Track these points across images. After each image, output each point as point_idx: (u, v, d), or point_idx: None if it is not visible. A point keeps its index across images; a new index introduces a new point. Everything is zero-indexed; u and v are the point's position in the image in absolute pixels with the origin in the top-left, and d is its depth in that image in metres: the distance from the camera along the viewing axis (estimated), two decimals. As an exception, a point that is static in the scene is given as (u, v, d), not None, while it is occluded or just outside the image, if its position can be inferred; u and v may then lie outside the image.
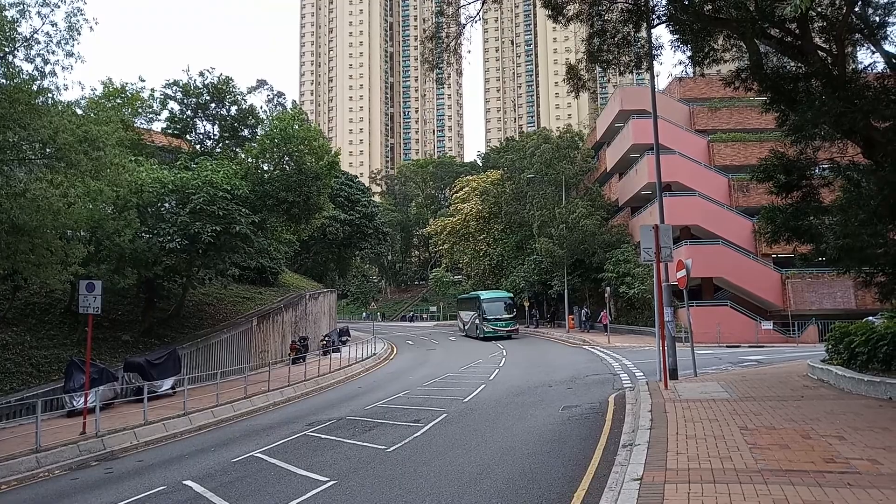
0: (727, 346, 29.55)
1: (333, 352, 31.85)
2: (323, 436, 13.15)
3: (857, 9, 12.22)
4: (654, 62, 15.44)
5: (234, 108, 31.82)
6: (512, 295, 45.20)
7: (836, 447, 7.52)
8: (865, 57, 38.80)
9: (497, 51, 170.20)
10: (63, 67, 15.05)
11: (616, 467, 7.98)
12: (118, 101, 25.08)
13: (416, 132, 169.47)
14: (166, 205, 23.16)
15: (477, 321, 41.97)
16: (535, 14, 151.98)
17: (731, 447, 7.81)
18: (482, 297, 42.57)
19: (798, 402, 10.99)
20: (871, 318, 17.24)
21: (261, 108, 33.51)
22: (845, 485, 6.03)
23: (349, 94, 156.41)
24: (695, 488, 6.21)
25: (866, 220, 11.43)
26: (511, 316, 41.37)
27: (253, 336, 29.94)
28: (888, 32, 12.61)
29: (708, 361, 20.76)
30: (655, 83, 17.46)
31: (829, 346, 14.22)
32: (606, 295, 37.12)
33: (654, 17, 14.11)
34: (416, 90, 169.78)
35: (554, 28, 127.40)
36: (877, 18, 12.43)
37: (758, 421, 9.41)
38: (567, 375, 19.70)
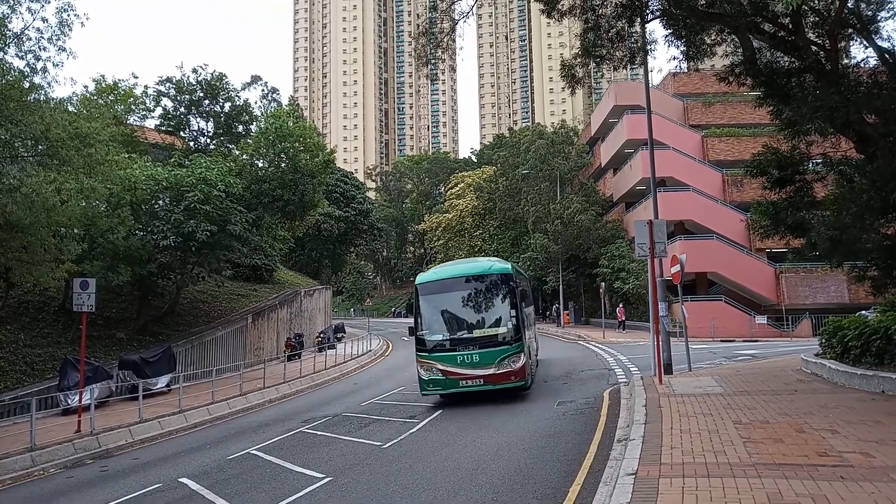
0: (721, 341, 29.67)
1: (329, 349, 31.79)
2: (319, 432, 13.15)
3: (849, 3, 12.25)
4: (648, 57, 15.45)
5: (227, 105, 31.75)
6: (503, 267, 15.76)
7: (830, 441, 7.56)
8: (858, 52, 38.87)
9: (491, 46, 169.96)
10: (55, 64, 15.03)
11: (611, 462, 8.00)
12: (110, 97, 24.97)
13: (411, 128, 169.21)
14: (160, 202, 23.09)
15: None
16: (528, 9, 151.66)
17: (725, 441, 7.84)
18: (417, 284, 15.85)
19: (792, 396, 11.05)
20: (864, 312, 17.33)
21: (255, 103, 33.36)
22: (838, 478, 6.06)
23: (343, 91, 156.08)
24: (689, 482, 6.24)
25: (858, 214, 11.47)
26: (500, 334, 14.54)
27: (248, 333, 29.90)
28: (880, 27, 12.62)
29: (702, 356, 20.81)
30: (649, 78, 17.44)
31: (823, 341, 14.28)
32: (602, 290, 37.20)
33: (647, 12, 14.13)
34: (411, 86, 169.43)
35: (548, 23, 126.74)
36: (869, 13, 12.47)
37: (752, 415, 9.44)
38: (562, 371, 19.73)
